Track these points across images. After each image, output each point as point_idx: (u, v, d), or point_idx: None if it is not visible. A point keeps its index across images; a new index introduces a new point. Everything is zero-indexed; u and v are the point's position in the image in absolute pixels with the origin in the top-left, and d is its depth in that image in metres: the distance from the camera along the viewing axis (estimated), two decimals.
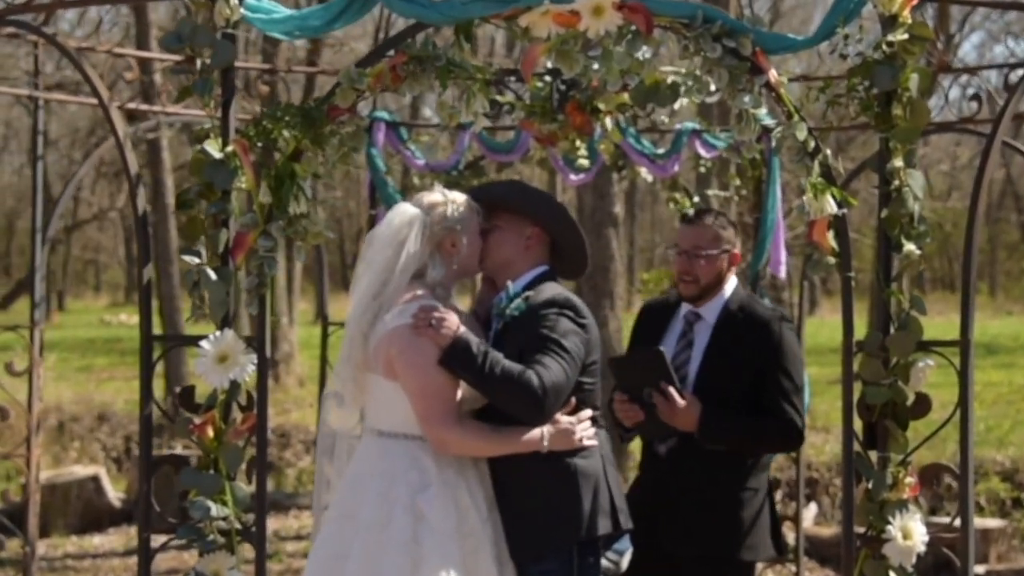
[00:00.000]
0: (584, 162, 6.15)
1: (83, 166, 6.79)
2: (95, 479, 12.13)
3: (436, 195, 4.30)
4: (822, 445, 13.52)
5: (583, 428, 4.20)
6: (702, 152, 7.26)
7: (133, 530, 10.52)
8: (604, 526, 4.20)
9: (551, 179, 17.06)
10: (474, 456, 4.19)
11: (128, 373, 21.35)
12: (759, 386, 4.71)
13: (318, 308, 7.36)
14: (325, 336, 7.48)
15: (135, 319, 35.32)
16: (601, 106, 4.80)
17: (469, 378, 4.09)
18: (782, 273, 6.88)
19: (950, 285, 36.99)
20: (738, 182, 7.39)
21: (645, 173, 7.25)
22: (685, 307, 4.94)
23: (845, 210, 4.31)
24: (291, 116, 4.29)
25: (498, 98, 5.57)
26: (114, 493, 12.29)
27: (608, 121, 5.08)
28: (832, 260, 4.30)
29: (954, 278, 37.13)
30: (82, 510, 11.85)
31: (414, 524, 4.05)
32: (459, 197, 4.31)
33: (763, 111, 4.29)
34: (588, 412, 4.26)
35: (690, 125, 7.25)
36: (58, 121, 32.16)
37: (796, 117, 4.29)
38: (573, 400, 4.21)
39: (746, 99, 4.27)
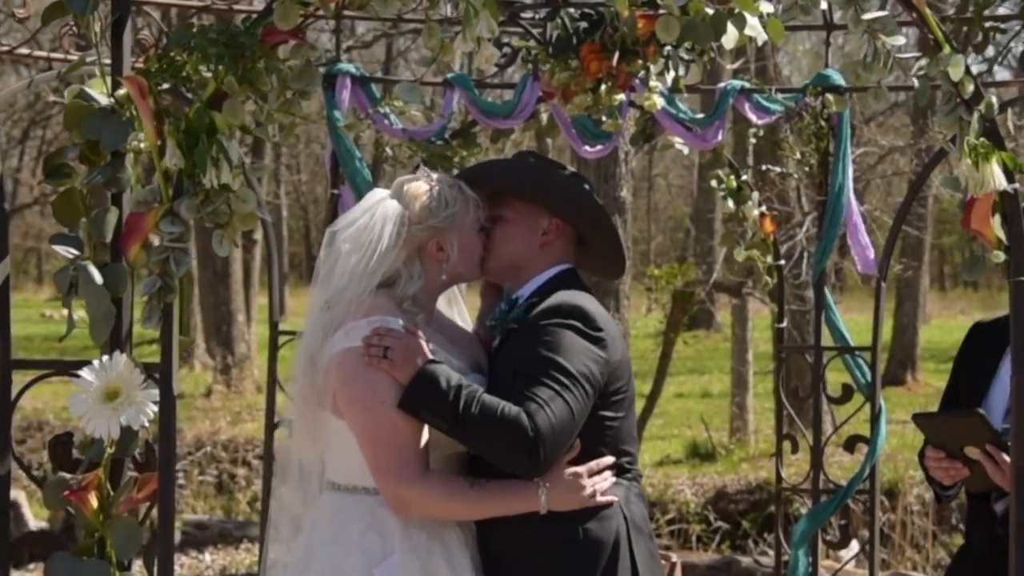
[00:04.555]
0: (613, 124, 5.08)
1: None
2: (13, 505, 11.29)
3: (419, 182, 3.80)
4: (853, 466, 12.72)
5: (597, 481, 3.68)
6: (752, 117, 6.13)
7: None
8: None
9: (539, 147, 16.13)
10: (448, 518, 3.72)
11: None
12: None
13: (270, 312, 6.30)
14: (275, 347, 6.28)
15: (80, 313, 35.31)
16: (662, 37, 3.71)
17: (438, 424, 3.60)
18: (873, 268, 5.84)
19: (971, 282, 36.65)
20: (798, 155, 6.28)
21: (680, 144, 6.12)
22: None
23: (1018, 184, 3.21)
24: (210, 44, 3.39)
25: (512, 43, 4.63)
26: (35, 521, 11.81)
27: (671, 68, 4.00)
28: (1000, 256, 3.22)
29: None
30: None
31: None
32: (450, 184, 3.83)
33: (900, 40, 3.19)
34: (607, 460, 3.72)
35: (736, 84, 6.12)
36: None
37: (947, 48, 3.18)
38: (577, 444, 3.65)
39: (874, 21, 3.19)
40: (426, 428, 3.63)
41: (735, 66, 9.19)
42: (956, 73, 3.22)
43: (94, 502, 3.56)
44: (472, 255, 3.81)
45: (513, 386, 3.59)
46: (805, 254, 11.73)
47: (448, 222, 3.73)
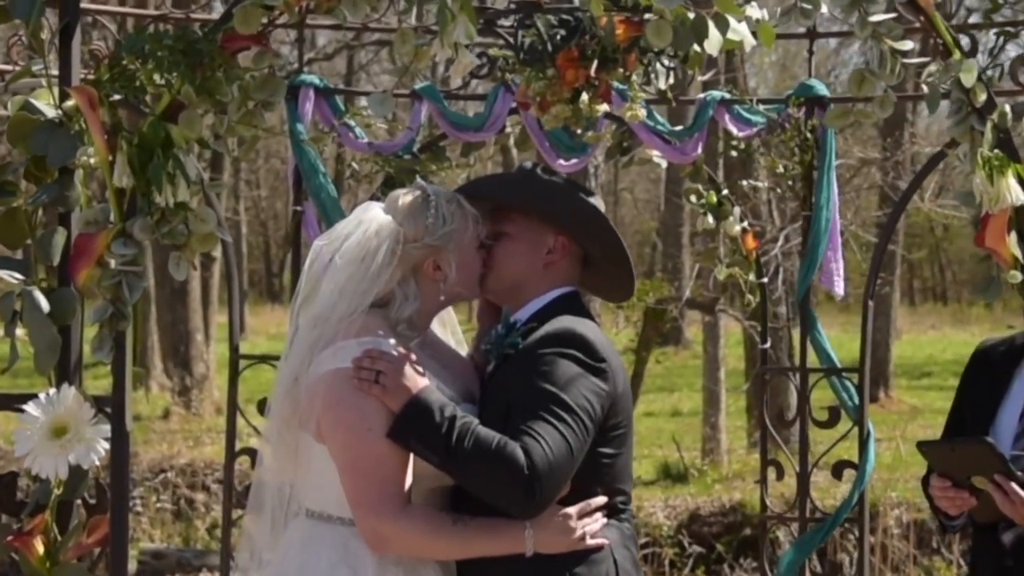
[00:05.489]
0: (596, 136, 4.93)
1: None
2: None
3: (416, 197, 3.64)
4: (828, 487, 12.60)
5: (587, 523, 3.55)
6: (733, 129, 6.00)
7: None
8: None
9: (505, 161, 16.05)
10: (427, 557, 3.59)
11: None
12: None
13: (230, 335, 6.08)
14: (235, 371, 6.06)
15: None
16: (654, 42, 3.58)
17: (428, 456, 3.48)
18: (839, 289, 5.74)
19: (941, 296, 36.98)
20: (781, 168, 6.14)
21: (658, 157, 5.98)
22: None
23: None
24: (165, 51, 3.24)
25: (491, 52, 4.48)
26: None
27: (662, 71, 3.85)
28: (1017, 276, 3.07)
29: (946, 288, 37.12)
30: None
31: None
32: (448, 199, 3.67)
33: (908, 44, 3.05)
34: (599, 500, 3.58)
35: (716, 94, 5.99)
36: None
37: (958, 54, 3.03)
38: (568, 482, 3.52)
39: (880, 25, 3.04)
40: (411, 461, 3.50)
41: (706, 77, 9.10)
42: (968, 79, 3.10)
43: (40, 548, 3.41)
44: (471, 274, 3.67)
45: (509, 419, 3.46)
46: (780, 269, 11.63)
47: (445, 240, 3.59)
